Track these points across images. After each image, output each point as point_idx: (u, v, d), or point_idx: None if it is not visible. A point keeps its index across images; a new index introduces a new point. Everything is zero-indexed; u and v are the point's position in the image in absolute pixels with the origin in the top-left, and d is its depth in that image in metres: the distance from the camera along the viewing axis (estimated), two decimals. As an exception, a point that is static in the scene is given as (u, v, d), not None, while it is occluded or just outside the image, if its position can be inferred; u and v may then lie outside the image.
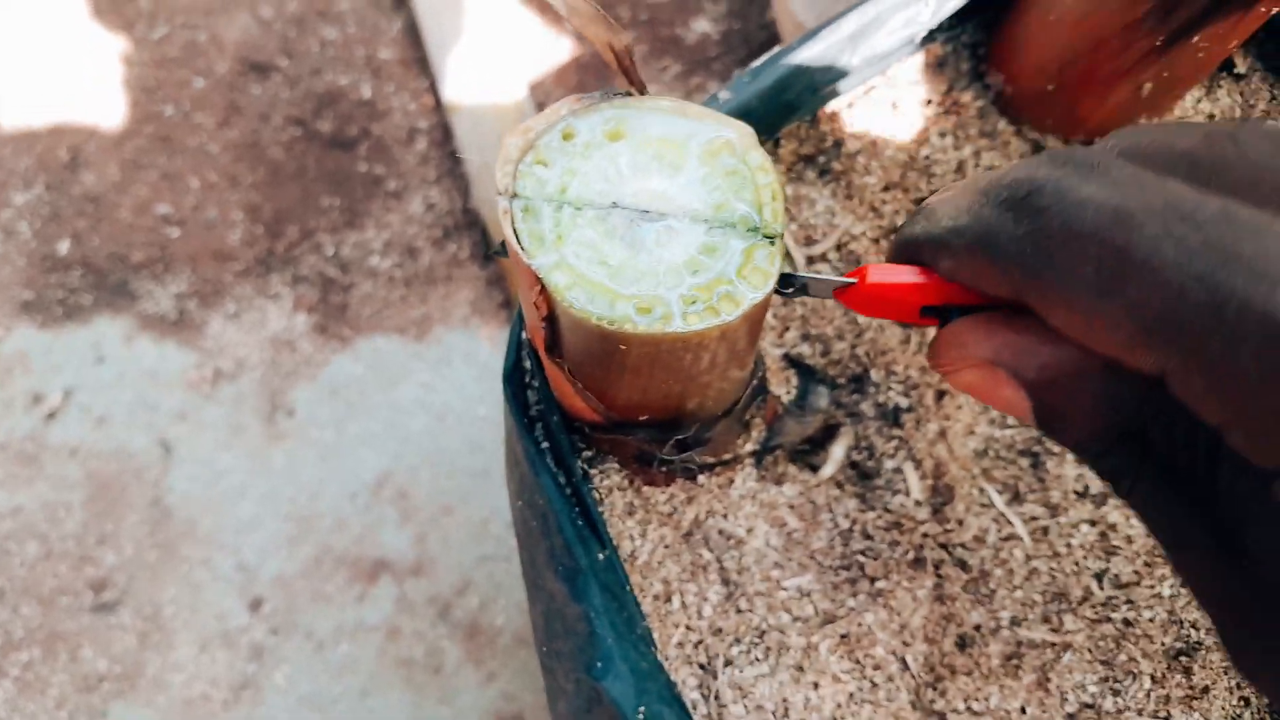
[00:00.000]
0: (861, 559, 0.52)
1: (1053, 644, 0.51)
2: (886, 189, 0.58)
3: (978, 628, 0.52)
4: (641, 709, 0.41)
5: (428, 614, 1.12)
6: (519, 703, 1.08)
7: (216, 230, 1.30)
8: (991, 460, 0.55)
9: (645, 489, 0.51)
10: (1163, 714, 0.49)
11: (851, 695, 0.49)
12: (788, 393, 0.55)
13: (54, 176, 1.33)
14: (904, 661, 0.51)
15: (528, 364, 0.48)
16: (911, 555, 0.53)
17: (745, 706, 0.48)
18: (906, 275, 0.33)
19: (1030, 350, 0.30)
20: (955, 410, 0.56)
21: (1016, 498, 0.54)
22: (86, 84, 1.38)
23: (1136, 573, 0.52)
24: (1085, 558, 0.53)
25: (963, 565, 0.53)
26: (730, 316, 0.34)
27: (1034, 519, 0.54)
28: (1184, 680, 0.50)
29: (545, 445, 0.46)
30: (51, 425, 1.22)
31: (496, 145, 1.24)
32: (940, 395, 0.56)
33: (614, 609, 0.42)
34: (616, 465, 0.49)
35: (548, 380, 0.46)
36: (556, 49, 1.33)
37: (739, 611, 0.50)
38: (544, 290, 0.34)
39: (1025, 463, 0.55)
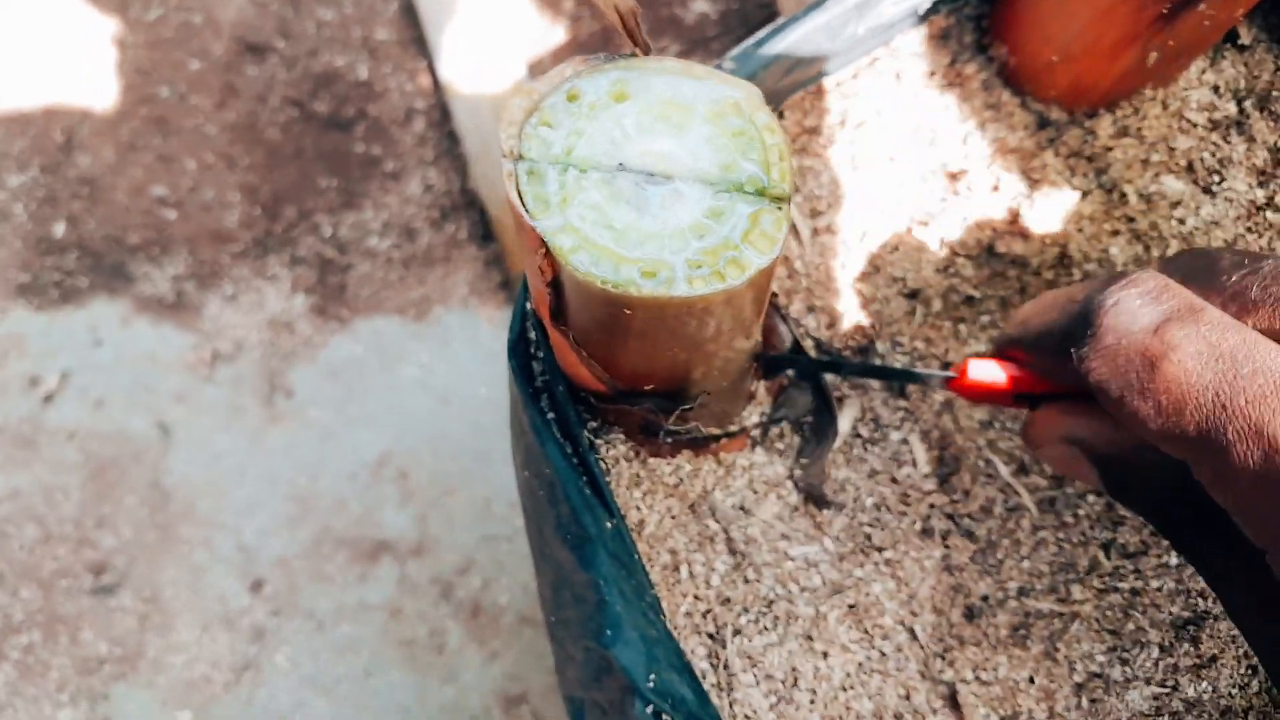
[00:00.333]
0: (868, 529, 0.52)
1: (1060, 614, 0.51)
2: (892, 160, 0.58)
3: (985, 598, 0.51)
4: (652, 676, 0.40)
5: (430, 594, 1.12)
6: (523, 682, 1.08)
7: (214, 212, 1.30)
8: (997, 431, 0.55)
9: (651, 460, 0.51)
10: (1170, 683, 0.49)
11: (860, 665, 0.49)
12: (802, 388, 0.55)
13: (49, 159, 1.32)
14: (912, 632, 0.51)
15: (533, 335, 0.48)
16: (919, 526, 0.53)
17: (755, 676, 0.48)
18: (1001, 371, 0.41)
19: (1099, 432, 0.38)
20: (960, 382, 0.55)
21: (1022, 469, 0.54)
22: (81, 66, 1.37)
23: (1143, 542, 0.52)
24: (1092, 528, 0.53)
25: (970, 536, 0.53)
26: (736, 282, 0.34)
27: (1040, 489, 0.54)
28: (1191, 649, 0.50)
29: (551, 416, 0.46)
30: (49, 408, 1.22)
31: (495, 125, 1.23)
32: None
33: (622, 577, 0.42)
34: (622, 436, 0.49)
35: (553, 350, 0.46)
36: (555, 28, 1.32)
37: (746, 581, 0.50)
38: (548, 254, 0.34)
39: (1031, 434, 0.55)
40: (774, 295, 0.55)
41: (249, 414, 1.21)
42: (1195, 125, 0.57)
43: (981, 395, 0.42)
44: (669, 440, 0.49)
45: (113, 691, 1.11)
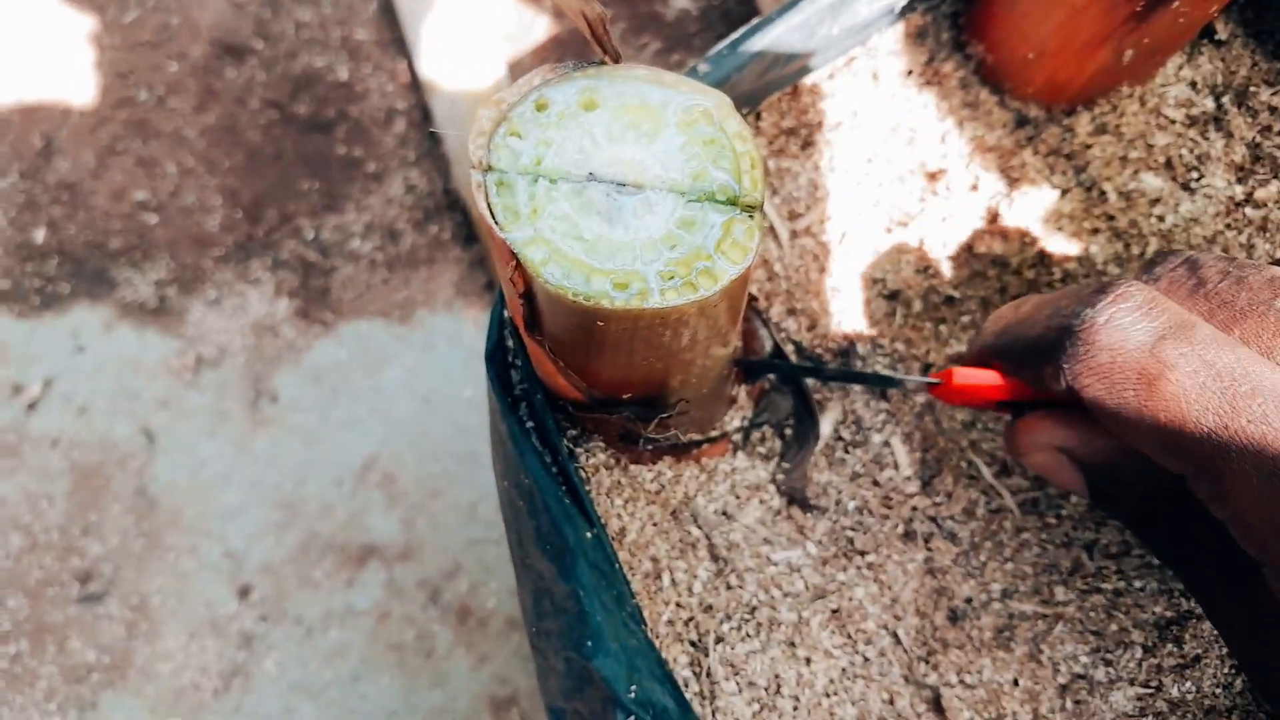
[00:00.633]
0: (850, 533, 0.52)
1: (1044, 615, 0.51)
2: (870, 161, 0.57)
3: (969, 600, 0.51)
4: (633, 687, 0.40)
5: (418, 598, 1.12)
6: (511, 685, 1.08)
7: (195, 216, 1.29)
8: (980, 432, 0.55)
9: (632, 467, 0.50)
10: (1155, 683, 0.49)
11: (844, 670, 0.49)
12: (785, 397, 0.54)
13: (27, 164, 1.31)
14: (895, 635, 0.50)
15: (510, 343, 0.47)
16: (901, 529, 0.52)
17: (737, 684, 0.48)
18: (986, 378, 0.41)
19: (1087, 441, 0.38)
20: (942, 382, 0.55)
21: (1005, 470, 0.54)
22: (58, 69, 1.36)
23: (1126, 543, 0.52)
24: (1075, 529, 0.52)
25: (953, 538, 0.52)
26: (709, 292, 0.34)
27: (1022, 490, 0.53)
28: (1175, 650, 0.50)
29: (530, 425, 0.46)
30: (32, 416, 1.21)
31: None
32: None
33: (603, 587, 0.42)
34: (602, 444, 0.49)
35: (530, 359, 0.45)
36: (535, 27, 1.32)
37: (729, 588, 0.50)
38: (519, 266, 0.34)
39: (1013, 433, 0.55)
40: (753, 299, 0.55)
41: (233, 419, 1.21)
42: (1173, 122, 0.56)
43: (965, 401, 0.43)
44: (649, 447, 0.49)
45: (101, 700, 1.11)
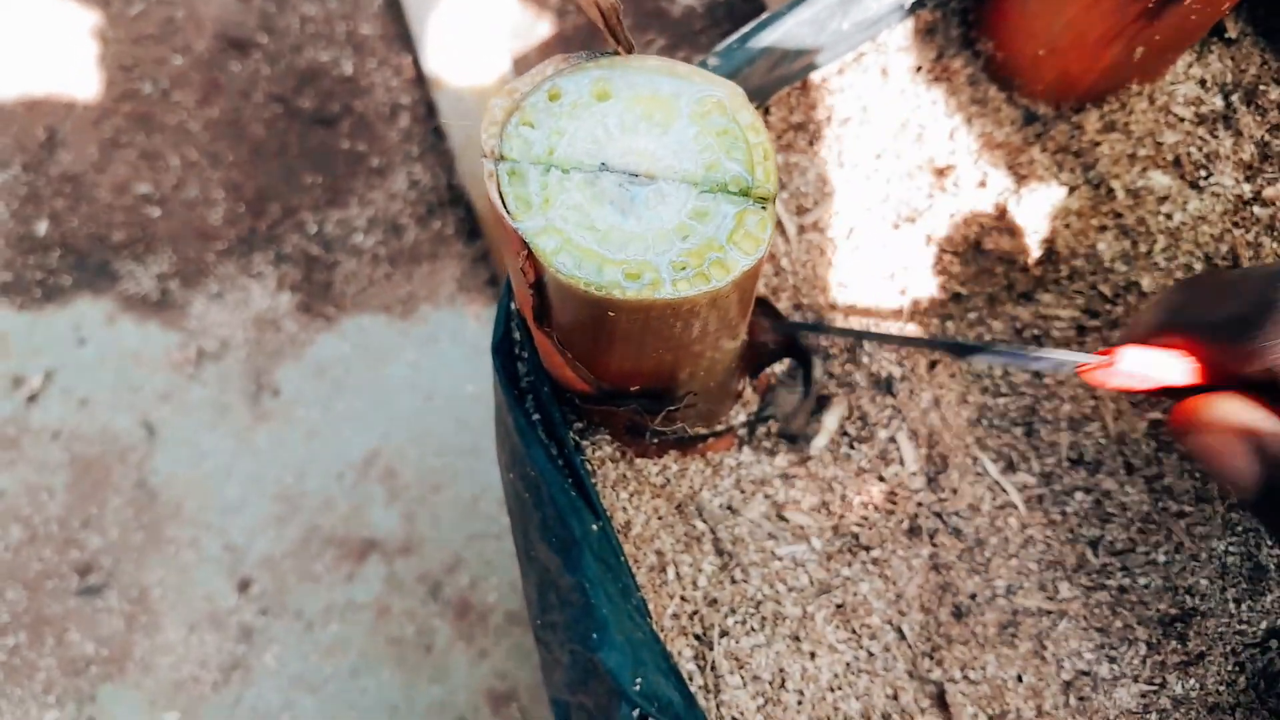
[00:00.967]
0: (856, 528, 0.52)
1: (1049, 612, 0.51)
2: (878, 156, 0.57)
3: (973, 596, 0.51)
4: (639, 680, 0.40)
5: (418, 592, 1.12)
6: (511, 680, 1.08)
7: (198, 209, 1.29)
8: (985, 429, 0.55)
9: (638, 460, 0.50)
10: (1158, 680, 0.49)
11: (848, 665, 0.49)
12: (780, 363, 0.54)
13: (31, 156, 1.31)
14: (900, 631, 0.50)
15: (517, 335, 0.47)
16: (906, 524, 0.52)
17: (742, 677, 0.48)
18: (1162, 359, 0.37)
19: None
20: (948, 379, 0.55)
21: (1010, 466, 0.54)
22: (62, 62, 1.35)
23: (1131, 539, 0.52)
24: (1080, 525, 0.52)
25: (958, 534, 0.52)
26: (721, 283, 0.34)
27: (1028, 487, 0.53)
28: (1179, 647, 0.50)
29: (536, 417, 0.46)
30: (33, 408, 1.21)
31: (480, 120, 1.22)
32: (933, 365, 0.55)
33: (608, 580, 0.42)
34: (608, 437, 0.49)
35: (537, 351, 0.45)
36: (540, 22, 1.32)
37: (734, 582, 0.50)
38: (531, 256, 0.34)
39: (1019, 431, 0.55)
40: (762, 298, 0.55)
41: (235, 413, 1.21)
42: (1182, 120, 0.56)
43: (1122, 386, 0.39)
44: (655, 441, 0.49)
45: (100, 692, 1.10)
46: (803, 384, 0.52)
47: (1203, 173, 0.54)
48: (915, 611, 0.51)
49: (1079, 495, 0.53)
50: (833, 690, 0.48)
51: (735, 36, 0.53)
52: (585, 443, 0.49)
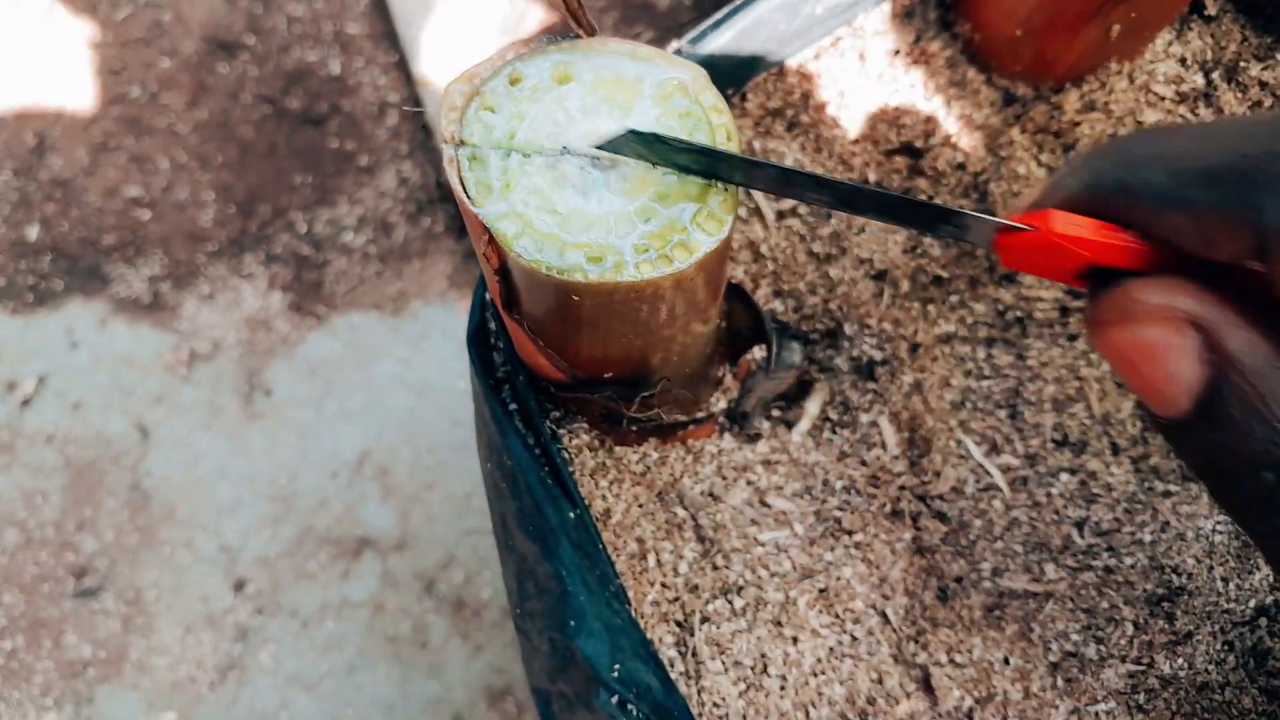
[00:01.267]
0: (838, 513, 0.52)
1: (1034, 594, 0.50)
2: (856, 141, 0.57)
3: (958, 579, 0.51)
4: (617, 666, 0.40)
5: (413, 589, 1.12)
6: (507, 675, 1.08)
7: (188, 211, 1.28)
8: (969, 412, 0.54)
9: (617, 449, 0.50)
10: (1146, 660, 0.49)
11: (831, 649, 0.49)
12: (760, 348, 0.54)
13: (21, 162, 1.31)
14: (884, 615, 0.50)
15: (492, 325, 0.47)
16: (889, 508, 0.52)
17: (723, 663, 0.47)
18: (1097, 229, 0.29)
19: (1239, 324, 0.26)
20: (930, 363, 0.55)
21: (994, 449, 0.54)
22: (51, 67, 1.35)
23: (1116, 519, 0.52)
24: (1065, 506, 0.52)
25: (941, 517, 0.52)
26: (684, 264, 0.33)
27: (1012, 469, 0.53)
28: (1166, 626, 0.49)
29: (513, 406, 0.46)
30: (26, 412, 1.21)
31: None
32: (914, 349, 0.55)
33: (586, 567, 0.42)
34: (585, 425, 0.48)
35: (512, 340, 0.45)
36: (527, 19, 1.31)
37: (715, 568, 0.50)
38: (493, 241, 0.33)
39: (1003, 414, 0.54)
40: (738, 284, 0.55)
41: (228, 413, 1.21)
42: (1163, 98, 0.56)
43: (1039, 262, 0.31)
44: (633, 428, 0.48)
45: (97, 694, 1.10)
46: (765, 363, 0.50)
47: (1182, 150, 0.54)
48: (899, 595, 0.50)
49: (1064, 476, 0.53)
50: (816, 675, 0.48)
51: (709, 22, 0.53)
52: (562, 431, 0.48)
